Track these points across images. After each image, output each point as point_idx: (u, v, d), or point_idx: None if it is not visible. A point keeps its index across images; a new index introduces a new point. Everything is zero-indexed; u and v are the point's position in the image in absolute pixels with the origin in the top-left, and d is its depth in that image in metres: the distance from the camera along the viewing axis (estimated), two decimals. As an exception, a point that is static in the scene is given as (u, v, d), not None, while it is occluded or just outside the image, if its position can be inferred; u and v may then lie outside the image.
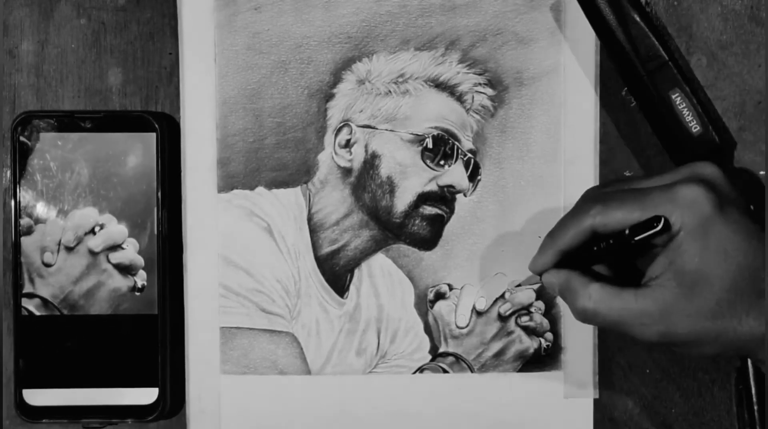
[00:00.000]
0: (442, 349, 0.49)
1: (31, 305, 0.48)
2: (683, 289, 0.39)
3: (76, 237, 0.48)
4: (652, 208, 0.40)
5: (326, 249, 0.49)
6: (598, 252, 0.42)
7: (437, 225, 0.49)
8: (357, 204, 0.49)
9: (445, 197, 0.49)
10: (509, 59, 0.49)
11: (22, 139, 0.48)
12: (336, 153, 0.49)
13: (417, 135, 0.49)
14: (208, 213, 0.49)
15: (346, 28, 0.49)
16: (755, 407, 0.47)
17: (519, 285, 0.49)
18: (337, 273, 0.49)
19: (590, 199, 0.42)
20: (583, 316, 0.42)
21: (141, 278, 0.48)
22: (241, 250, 0.49)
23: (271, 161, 0.49)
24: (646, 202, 0.40)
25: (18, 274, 0.48)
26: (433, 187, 0.49)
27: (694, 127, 0.46)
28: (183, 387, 0.49)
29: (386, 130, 0.49)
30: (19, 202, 0.48)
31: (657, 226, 0.39)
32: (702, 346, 0.40)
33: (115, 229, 0.48)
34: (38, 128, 0.48)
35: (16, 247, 0.48)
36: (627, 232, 0.40)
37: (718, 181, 0.41)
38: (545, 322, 0.49)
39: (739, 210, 0.40)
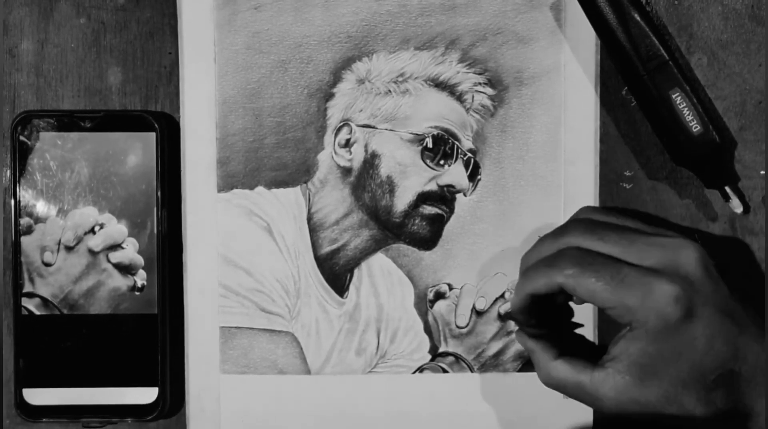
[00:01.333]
0: (441, 349, 0.49)
1: (31, 305, 0.48)
2: (633, 379, 0.40)
3: (76, 236, 0.48)
4: (622, 292, 0.39)
5: (326, 248, 0.49)
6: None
7: (437, 225, 0.49)
8: (357, 203, 0.49)
9: (444, 197, 0.49)
10: (509, 59, 0.49)
11: (21, 138, 0.48)
12: (336, 152, 0.49)
13: (417, 134, 0.49)
14: (208, 212, 0.49)
15: (345, 27, 0.49)
16: None
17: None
18: (336, 273, 0.49)
19: (568, 258, 0.41)
20: (546, 385, 0.43)
21: (141, 278, 0.48)
22: (241, 249, 0.49)
23: (270, 161, 0.49)
24: (620, 287, 0.39)
25: (18, 274, 0.48)
26: (432, 186, 0.49)
27: (695, 126, 0.46)
28: (183, 386, 0.49)
29: (386, 129, 0.49)
30: (19, 201, 0.48)
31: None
32: (656, 425, 0.41)
33: (115, 229, 0.48)
34: (38, 128, 0.48)
35: (16, 247, 0.48)
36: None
37: (698, 279, 0.40)
38: (545, 322, 0.49)
39: (713, 309, 0.40)
